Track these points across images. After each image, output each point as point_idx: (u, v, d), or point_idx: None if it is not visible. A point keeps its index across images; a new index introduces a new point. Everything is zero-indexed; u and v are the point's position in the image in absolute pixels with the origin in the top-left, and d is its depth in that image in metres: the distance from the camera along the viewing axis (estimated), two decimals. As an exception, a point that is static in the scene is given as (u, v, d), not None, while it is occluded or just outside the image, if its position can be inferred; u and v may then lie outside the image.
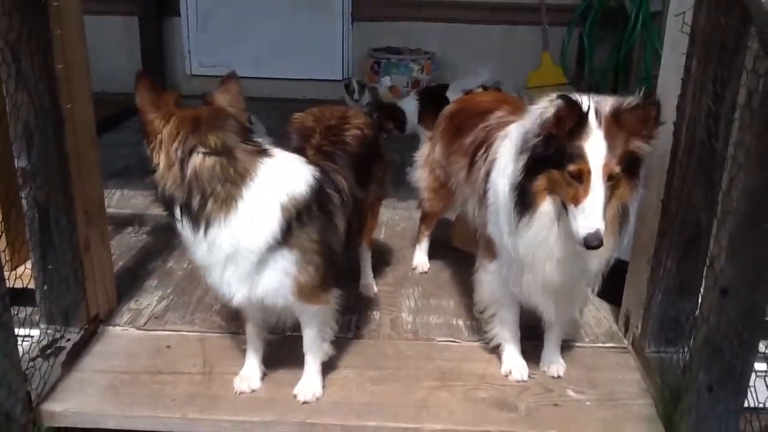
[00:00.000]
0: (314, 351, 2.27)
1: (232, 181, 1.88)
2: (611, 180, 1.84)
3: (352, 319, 2.70)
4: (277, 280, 2.01)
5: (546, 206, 1.95)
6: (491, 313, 2.41)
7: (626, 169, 1.88)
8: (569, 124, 1.82)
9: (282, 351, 2.40)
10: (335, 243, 2.09)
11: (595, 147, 1.82)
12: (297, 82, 6.13)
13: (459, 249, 3.26)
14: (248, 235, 1.91)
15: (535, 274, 2.10)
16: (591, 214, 1.82)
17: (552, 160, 1.87)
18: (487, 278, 2.34)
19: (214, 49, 6.15)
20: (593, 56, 5.65)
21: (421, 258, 3.15)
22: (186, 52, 6.23)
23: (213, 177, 1.87)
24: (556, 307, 2.22)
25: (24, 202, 2.29)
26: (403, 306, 2.83)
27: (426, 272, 3.12)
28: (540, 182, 1.92)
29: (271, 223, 1.91)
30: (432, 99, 4.65)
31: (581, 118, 1.81)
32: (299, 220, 1.95)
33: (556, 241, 2.00)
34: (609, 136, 1.82)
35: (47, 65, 2.19)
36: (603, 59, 5.73)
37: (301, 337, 2.27)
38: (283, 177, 1.96)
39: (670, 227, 2.27)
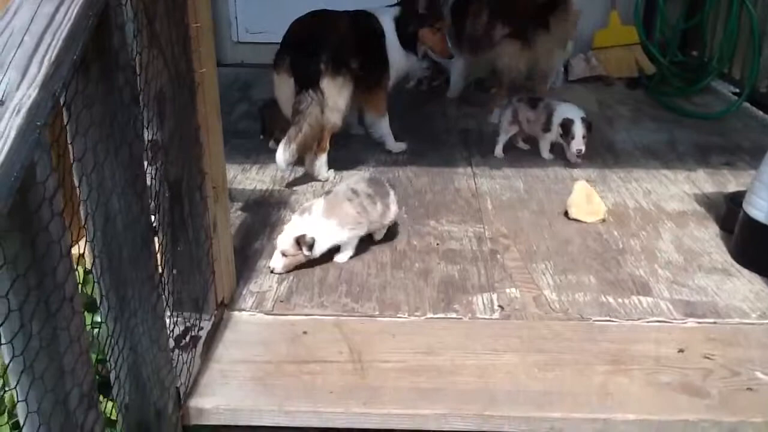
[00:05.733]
0: None
1: None
2: None
3: (492, 298, 2.50)
4: None
5: None
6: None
7: None
8: None
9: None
10: None
11: None
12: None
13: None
14: None
15: None
16: None
17: None
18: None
19: (261, 15, 5.84)
20: (666, 15, 5.34)
21: None
22: (233, 18, 5.92)
23: None
24: None
25: (151, 178, 2.06)
26: (541, 283, 2.62)
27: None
28: None
29: None
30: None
31: None
32: None
33: None
34: None
35: (183, 25, 1.95)
36: (673, 18, 5.43)
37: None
38: None
39: None
